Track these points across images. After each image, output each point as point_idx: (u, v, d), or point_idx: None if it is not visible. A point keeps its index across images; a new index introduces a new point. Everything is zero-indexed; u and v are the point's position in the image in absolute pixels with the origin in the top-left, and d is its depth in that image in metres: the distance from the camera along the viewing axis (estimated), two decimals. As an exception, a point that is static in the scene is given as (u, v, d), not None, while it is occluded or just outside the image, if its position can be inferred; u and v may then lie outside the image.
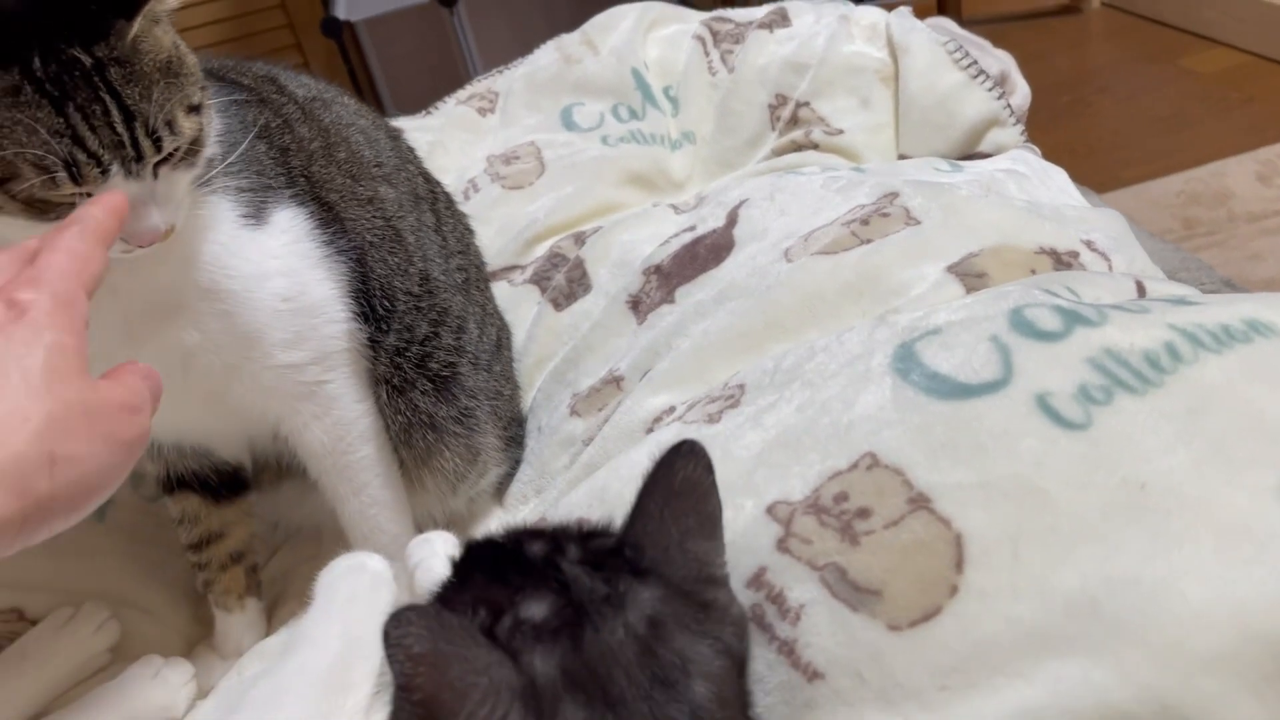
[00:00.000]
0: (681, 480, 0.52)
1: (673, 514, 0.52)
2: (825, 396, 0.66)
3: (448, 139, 1.39)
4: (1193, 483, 0.50)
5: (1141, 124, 2.25)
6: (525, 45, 1.53)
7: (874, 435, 0.60)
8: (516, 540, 0.55)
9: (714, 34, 1.39)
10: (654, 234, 1.13)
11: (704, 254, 1.02)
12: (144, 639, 0.91)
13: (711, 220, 1.06)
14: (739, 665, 0.50)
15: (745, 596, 0.58)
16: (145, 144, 0.62)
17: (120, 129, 0.60)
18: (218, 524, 0.88)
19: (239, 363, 0.75)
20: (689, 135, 1.35)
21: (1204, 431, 0.53)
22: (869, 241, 0.89)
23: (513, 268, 1.20)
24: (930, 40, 1.24)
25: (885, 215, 0.92)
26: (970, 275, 0.83)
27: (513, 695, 0.45)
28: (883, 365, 0.65)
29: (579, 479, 0.89)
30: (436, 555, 0.79)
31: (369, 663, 0.67)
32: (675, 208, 1.21)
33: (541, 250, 1.20)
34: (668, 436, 0.78)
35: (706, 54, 1.38)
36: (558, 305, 1.11)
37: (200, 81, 0.67)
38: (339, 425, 0.81)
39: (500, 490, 1.00)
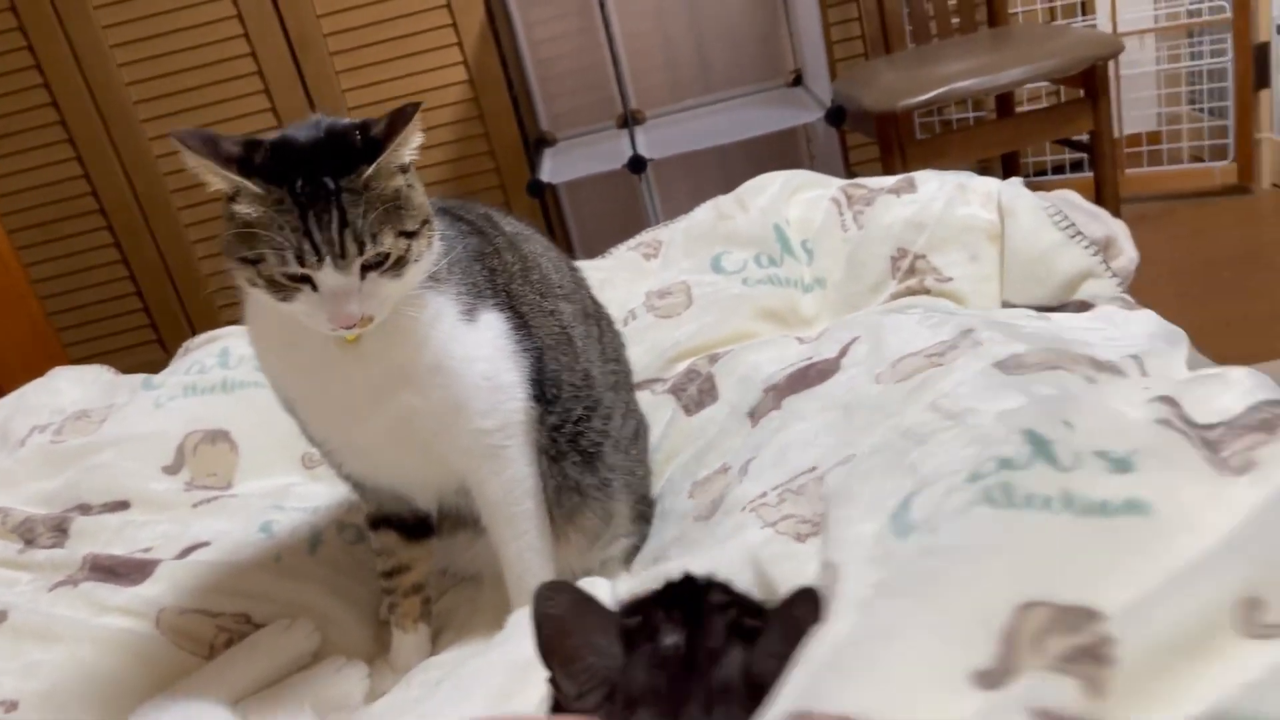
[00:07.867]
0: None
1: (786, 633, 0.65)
2: None
3: (615, 277, 1.65)
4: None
5: (1305, 300, 2.28)
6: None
7: None
8: (709, 588, 0.70)
9: (849, 198, 1.62)
10: (776, 356, 1.33)
11: (813, 375, 1.22)
12: (336, 648, 1.14)
13: (826, 352, 1.26)
14: None
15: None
16: (350, 246, 0.85)
17: (334, 232, 0.85)
18: (407, 558, 1.11)
19: (448, 423, 0.99)
20: (820, 281, 1.56)
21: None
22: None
23: (655, 380, 1.43)
24: (1034, 205, 1.42)
25: (955, 349, 1.09)
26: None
27: (603, 682, 0.62)
28: None
29: (689, 547, 1.08)
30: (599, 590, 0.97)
31: None
32: (800, 339, 1.41)
33: (681, 367, 1.43)
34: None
35: (841, 214, 1.60)
36: (688, 411, 1.33)
37: (420, 216, 0.90)
38: (511, 482, 1.04)
39: (628, 559, 1.19)
